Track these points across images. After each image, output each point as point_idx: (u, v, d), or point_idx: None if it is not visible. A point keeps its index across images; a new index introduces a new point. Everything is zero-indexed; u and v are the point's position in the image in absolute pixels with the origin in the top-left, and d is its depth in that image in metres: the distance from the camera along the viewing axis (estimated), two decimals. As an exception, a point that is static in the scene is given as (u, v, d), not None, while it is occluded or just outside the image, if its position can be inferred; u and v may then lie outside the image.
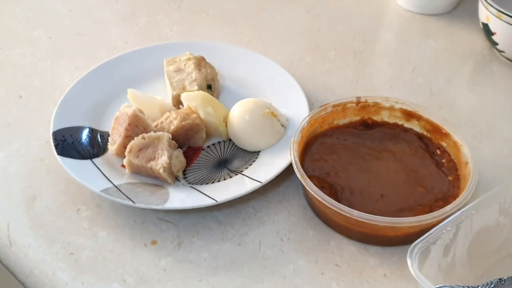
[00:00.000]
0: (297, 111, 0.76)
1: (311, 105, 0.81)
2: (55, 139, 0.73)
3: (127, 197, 0.67)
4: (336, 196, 0.66)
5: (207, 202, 0.66)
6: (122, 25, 1.00)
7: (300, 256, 0.64)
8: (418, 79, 0.87)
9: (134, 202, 0.66)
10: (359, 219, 0.61)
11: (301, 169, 0.65)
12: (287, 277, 0.62)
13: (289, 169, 0.69)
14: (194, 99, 0.74)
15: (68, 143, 0.73)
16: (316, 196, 0.63)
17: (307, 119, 0.71)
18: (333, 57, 0.91)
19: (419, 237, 0.60)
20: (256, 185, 0.68)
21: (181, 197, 0.67)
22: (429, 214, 0.61)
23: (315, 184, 0.64)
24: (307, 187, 0.64)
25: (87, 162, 0.72)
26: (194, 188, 0.69)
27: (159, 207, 0.65)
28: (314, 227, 0.67)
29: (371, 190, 0.67)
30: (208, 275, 0.62)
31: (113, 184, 0.69)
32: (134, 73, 0.84)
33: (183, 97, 0.76)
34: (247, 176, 0.70)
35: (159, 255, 0.64)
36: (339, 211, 0.61)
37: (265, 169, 0.70)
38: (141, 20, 1.01)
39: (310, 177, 0.66)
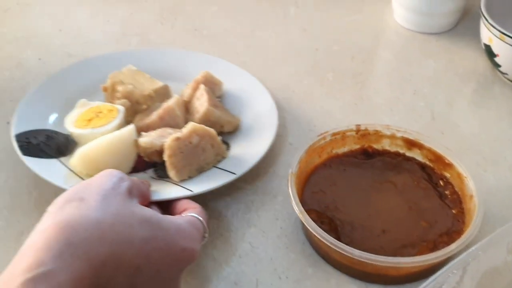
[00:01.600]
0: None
1: (309, 131, 0.78)
2: (18, 141, 0.72)
3: None
4: (336, 232, 0.64)
5: (184, 193, 0.65)
6: (114, 45, 0.97)
7: (299, 296, 0.61)
8: (419, 102, 0.84)
9: None
10: (360, 259, 0.58)
11: (299, 204, 0.62)
12: (285, 319, 0.59)
13: (287, 200, 0.67)
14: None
15: (33, 144, 0.72)
16: (316, 234, 0.60)
17: (305, 148, 0.68)
18: (331, 78, 0.88)
19: (423, 275, 0.58)
20: (231, 177, 0.68)
21: (156, 191, 0.66)
22: (433, 253, 0.58)
23: (314, 219, 0.62)
24: (305, 224, 0.61)
25: (54, 161, 0.71)
26: (169, 181, 0.69)
27: None
28: (313, 264, 0.64)
29: (372, 225, 0.65)
30: (203, 318, 0.60)
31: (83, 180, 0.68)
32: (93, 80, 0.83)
33: None
34: (221, 169, 0.70)
35: (152, 297, 0.61)
36: (339, 250, 0.59)
37: (239, 162, 0.70)
38: (133, 40, 0.98)
39: (309, 210, 0.63)
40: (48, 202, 0.69)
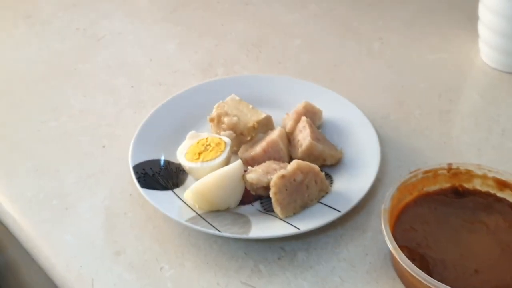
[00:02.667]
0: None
1: (397, 168, 0.79)
2: (136, 172, 0.75)
3: (212, 226, 0.68)
4: (427, 270, 0.64)
5: (290, 231, 0.68)
6: (201, 75, 1.00)
7: (390, 332, 0.61)
8: (508, 143, 0.83)
9: (219, 231, 0.68)
10: (456, 298, 0.58)
11: (393, 240, 0.63)
12: None
13: (376, 236, 0.67)
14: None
15: (149, 176, 0.75)
16: (410, 271, 0.60)
17: (397, 185, 0.69)
18: (418, 116, 0.89)
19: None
20: (335, 214, 0.69)
21: (263, 226, 0.69)
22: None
23: (405, 256, 0.62)
24: (400, 260, 0.61)
25: (169, 193, 0.74)
26: (274, 216, 0.71)
27: (244, 236, 0.67)
28: (404, 300, 0.64)
29: (464, 265, 0.64)
30: None
31: (197, 213, 0.71)
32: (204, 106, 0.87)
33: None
34: (325, 205, 0.71)
35: (244, 323, 0.63)
36: (433, 287, 0.59)
37: (342, 198, 0.72)
38: (219, 71, 1.01)
39: (400, 247, 0.64)
40: (143, 223, 0.73)
